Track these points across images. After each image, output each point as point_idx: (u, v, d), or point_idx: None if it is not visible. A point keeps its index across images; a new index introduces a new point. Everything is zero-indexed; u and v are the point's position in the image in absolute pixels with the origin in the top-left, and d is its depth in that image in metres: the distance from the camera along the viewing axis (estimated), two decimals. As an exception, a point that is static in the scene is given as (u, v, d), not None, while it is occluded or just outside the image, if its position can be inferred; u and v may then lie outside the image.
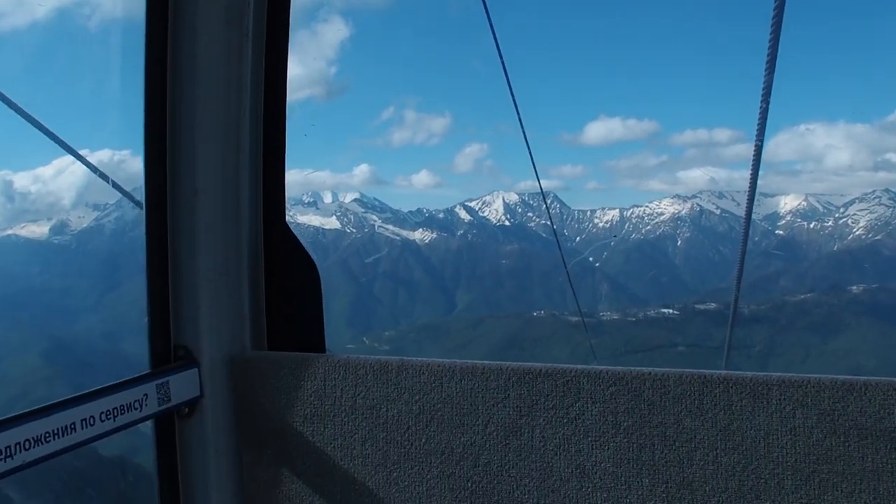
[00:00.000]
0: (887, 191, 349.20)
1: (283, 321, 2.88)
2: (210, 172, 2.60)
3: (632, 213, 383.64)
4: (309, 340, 2.87)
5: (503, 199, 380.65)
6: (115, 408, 2.27)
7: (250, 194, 2.75)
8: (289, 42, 2.73)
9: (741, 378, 2.29)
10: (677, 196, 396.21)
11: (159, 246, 2.60)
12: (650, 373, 2.36)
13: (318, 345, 2.88)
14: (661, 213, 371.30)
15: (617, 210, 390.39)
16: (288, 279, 2.86)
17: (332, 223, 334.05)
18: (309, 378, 2.64)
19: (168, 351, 2.65)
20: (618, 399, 2.35)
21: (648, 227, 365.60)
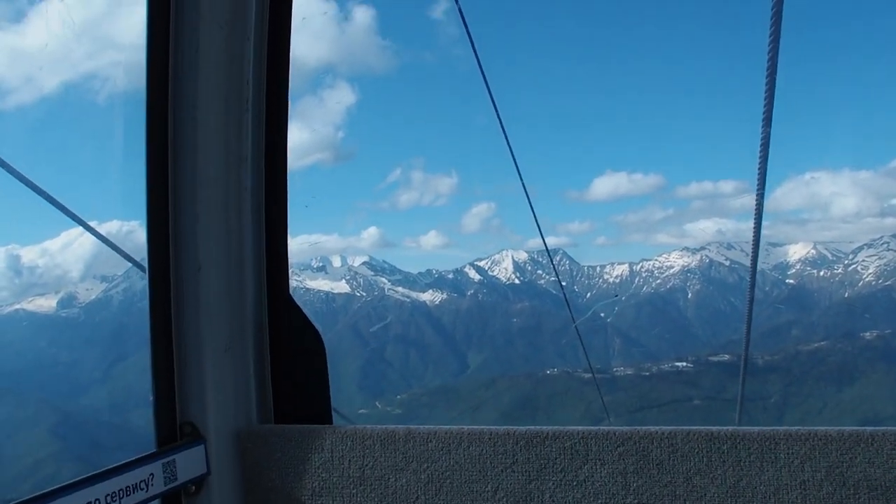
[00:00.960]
0: (895, 236, 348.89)
1: (290, 393, 2.88)
2: (213, 247, 2.61)
3: (641, 267, 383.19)
4: (316, 412, 2.88)
5: (512, 258, 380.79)
6: (121, 489, 2.24)
7: (253, 268, 2.76)
8: (289, 114, 2.79)
9: (749, 434, 2.28)
10: (686, 249, 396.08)
11: (163, 322, 2.60)
12: (658, 431, 2.35)
13: (325, 416, 2.88)
14: (671, 267, 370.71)
15: (626, 265, 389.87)
16: (293, 351, 2.86)
17: (342, 287, 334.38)
18: (316, 450, 2.63)
19: (174, 428, 2.63)
20: (626, 460, 2.35)
21: (658, 281, 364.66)
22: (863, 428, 2.22)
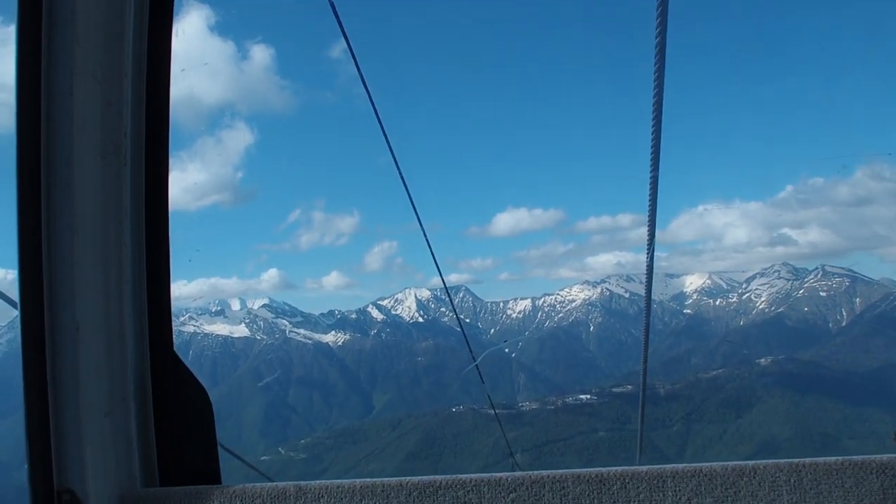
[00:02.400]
0: (785, 264, 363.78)
1: (175, 454, 2.73)
2: (91, 305, 2.46)
3: (544, 301, 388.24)
4: (204, 472, 2.74)
5: (415, 296, 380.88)
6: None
7: (135, 325, 2.62)
8: (169, 168, 2.70)
9: (637, 473, 2.32)
10: (587, 282, 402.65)
11: (39, 383, 2.40)
12: (549, 476, 2.37)
13: (214, 476, 2.76)
14: (573, 300, 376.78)
15: (529, 300, 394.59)
16: (178, 409, 2.73)
17: (242, 331, 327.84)
18: None
19: (51, 496, 2.43)
20: None
21: (561, 315, 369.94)
22: (745, 462, 2.30)
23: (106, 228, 2.49)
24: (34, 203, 2.38)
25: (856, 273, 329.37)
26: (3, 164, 2.44)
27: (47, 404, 2.41)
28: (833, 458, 2.24)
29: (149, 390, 2.69)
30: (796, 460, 2.27)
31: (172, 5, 2.61)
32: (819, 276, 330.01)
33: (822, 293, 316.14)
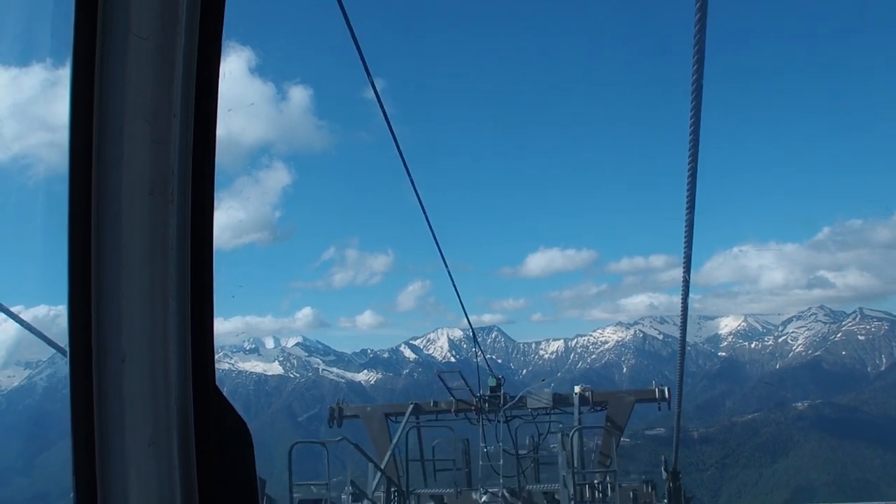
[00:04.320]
0: (822, 307, 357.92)
1: (216, 488, 2.73)
2: (137, 337, 2.50)
3: (576, 342, 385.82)
4: None
5: (448, 336, 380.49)
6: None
7: (178, 358, 2.63)
8: (214, 203, 2.72)
9: None
10: (620, 324, 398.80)
11: (85, 414, 2.45)
12: None
13: None
14: (605, 342, 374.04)
15: (562, 340, 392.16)
16: (219, 443, 2.73)
17: (275, 369, 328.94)
18: None
19: None
20: None
21: (594, 356, 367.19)
22: None
23: (153, 263, 2.54)
24: (84, 238, 2.44)
25: (895, 317, 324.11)
26: (55, 201, 2.47)
27: (93, 434, 2.47)
28: None
29: (191, 422, 2.70)
30: None
31: (220, 48, 2.67)
32: (857, 319, 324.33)
33: (860, 337, 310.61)
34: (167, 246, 2.57)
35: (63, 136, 2.45)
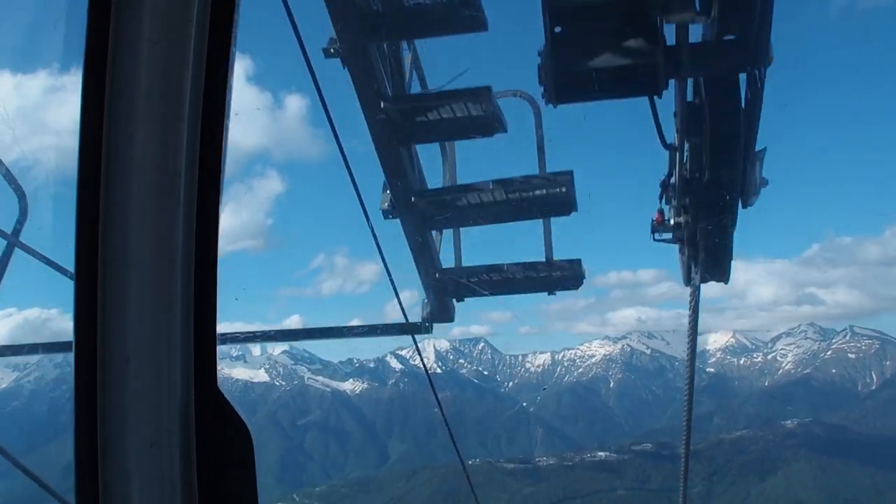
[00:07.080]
0: (812, 324, 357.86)
1: (216, 488, 2.76)
2: (142, 339, 2.54)
3: (563, 356, 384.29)
4: None
5: (434, 347, 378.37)
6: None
7: (181, 360, 2.66)
8: (220, 209, 2.71)
9: None
10: (607, 338, 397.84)
11: (89, 414, 2.49)
12: None
13: None
14: (593, 356, 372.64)
15: (548, 353, 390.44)
16: (220, 445, 2.75)
17: (261, 376, 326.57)
18: None
19: None
20: None
21: (581, 370, 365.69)
22: None
23: (158, 265, 2.56)
24: (92, 239, 2.46)
25: (886, 335, 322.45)
26: (64, 204, 2.49)
27: (96, 434, 2.49)
28: None
29: (192, 424, 2.71)
30: None
31: (230, 53, 2.66)
32: (847, 337, 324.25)
33: (850, 355, 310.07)
34: (173, 249, 2.59)
35: (72, 138, 2.44)
